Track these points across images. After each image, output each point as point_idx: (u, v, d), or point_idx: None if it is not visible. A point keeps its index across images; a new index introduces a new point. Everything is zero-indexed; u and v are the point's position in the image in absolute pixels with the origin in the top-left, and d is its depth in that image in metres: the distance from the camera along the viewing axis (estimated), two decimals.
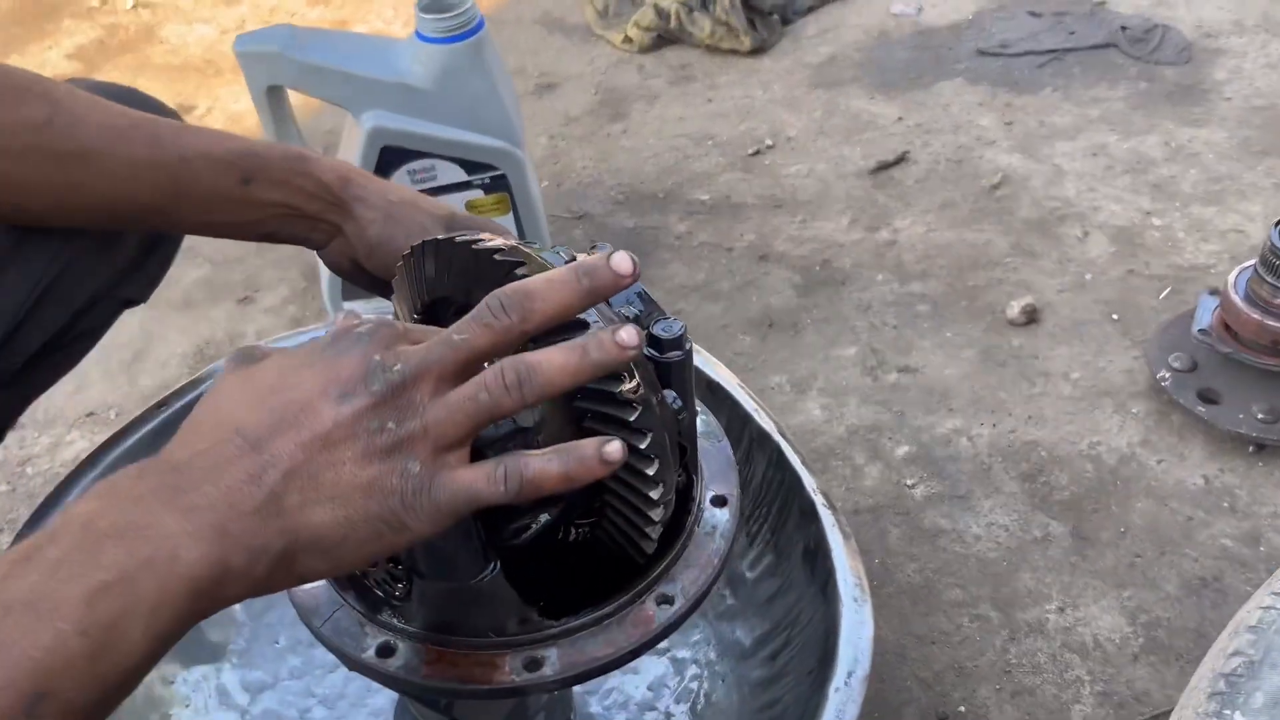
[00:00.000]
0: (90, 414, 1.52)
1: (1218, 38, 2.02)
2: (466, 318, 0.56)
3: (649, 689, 1.07)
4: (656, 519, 0.68)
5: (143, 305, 1.71)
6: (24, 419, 1.50)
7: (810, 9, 2.27)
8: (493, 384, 0.53)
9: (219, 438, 0.52)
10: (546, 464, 0.54)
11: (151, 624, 0.48)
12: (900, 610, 1.15)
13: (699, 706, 1.04)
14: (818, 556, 0.98)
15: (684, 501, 0.75)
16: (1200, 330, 1.29)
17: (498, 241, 0.66)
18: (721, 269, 1.63)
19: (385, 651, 0.71)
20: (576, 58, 2.24)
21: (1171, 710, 1.01)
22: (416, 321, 0.75)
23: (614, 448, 0.55)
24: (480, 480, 0.53)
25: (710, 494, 0.79)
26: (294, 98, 1.37)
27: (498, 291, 0.57)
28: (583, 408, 0.63)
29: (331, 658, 1.12)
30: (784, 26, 2.22)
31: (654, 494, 0.67)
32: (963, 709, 1.06)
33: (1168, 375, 1.30)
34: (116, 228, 0.91)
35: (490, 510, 0.66)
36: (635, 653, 0.71)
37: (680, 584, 0.73)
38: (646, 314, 0.74)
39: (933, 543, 1.22)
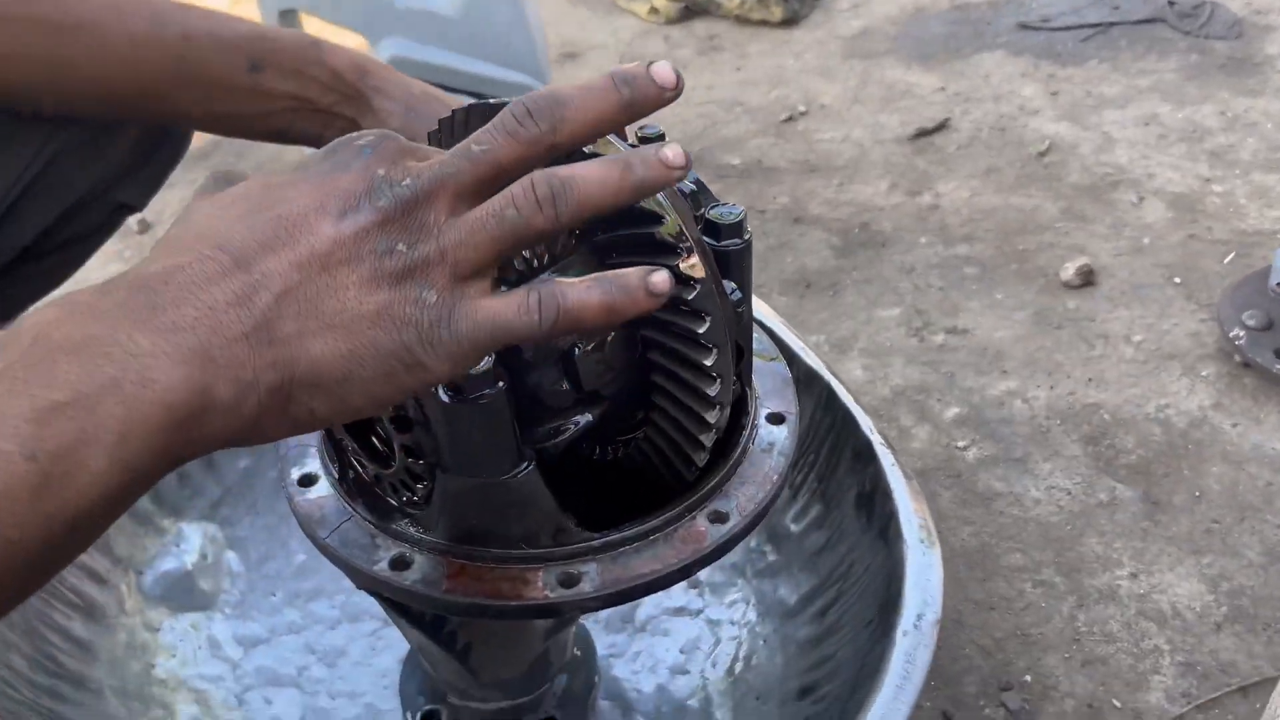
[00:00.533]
0: None
1: (1268, 14, 1.95)
2: (487, 126, 0.46)
3: (681, 652, 0.97)
4: (712, 421, 0.59)
5: (133, 251, 1.63)
6: None
7: None
8: (522, 199, 0.44)
9: (199, 253, 0.43)
10: (586, 292, 0.44)
11: (118, 454, 0.38)
12: (955, 575, 1.05)
13: (738, 669, 0.94)
14: (875, 499, 0.89)
15: (737, 415, 0.66)
16: (1277, 284, 1.20)
17: None
18: (755, 230, 1.54)
19: (400, 564, 0.62)
20: (600, 28, 2.16)
21: (1261, 680, 0.91)
22: None
23: (661, 276, 0.45)
24: (509, 309, 0.44)
25: (766, 411, 0.70)
26: (309, 25, 1.29)
27: (522, 98, 0.48)
28: None
29: (332, 613, 1.04)
30: (815, 0, 2.15)
31: (711, 391, 0.58)
32: (1028, 678, 0.96)
33: (1241, 334, 1.21)
34: (112, 114, 0.83)
35: (522, 406, 0.57)
36: (685, 571, 0.62)
37: (735, 500, 0.64)
38: (702, 197, 0.66)
39: (988, 506, 1.12)
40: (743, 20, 2.09)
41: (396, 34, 1.24)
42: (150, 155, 0.91)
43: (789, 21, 2.07)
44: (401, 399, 0.48)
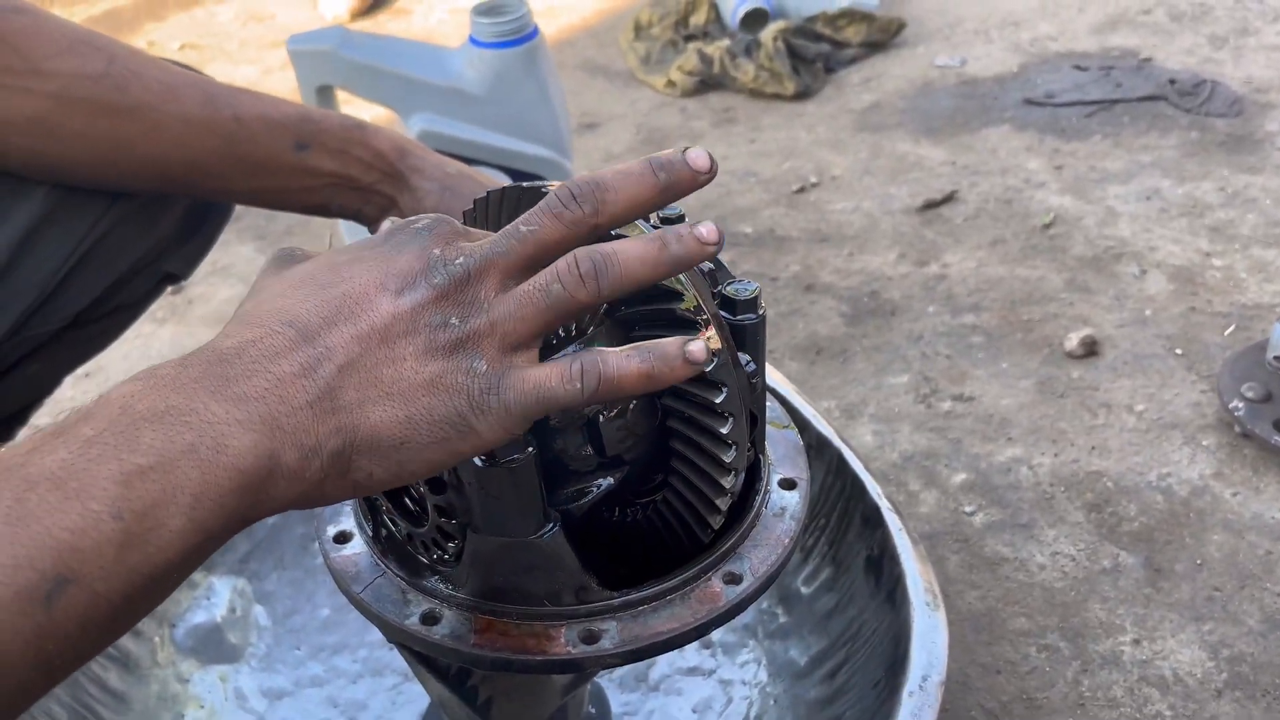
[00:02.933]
0: None
1: (1268, 93, 2.00)
2: (534, 209, 0.51)
3: (694, 711, 1.00)
4: (727, 486, 0.63)
5: (174, 320, 1.68)
6: (47, 424, 1.46)
7: (853, 60, 2.28)
8: (566, 275, 0.48)
9: (269, 328, 0.47)
10: (626, 360, 0.48)
11: (193, 515, 0.43)
12: (962, 638, 1.08)
13: None
14: (883, 563, 0.92)
15: (751, 480, 0.70)
16: (1275, 357, 1.23)
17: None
18: (767, 298, 1.59)
19: (430, 619, 0.65)
20: (618, 100, 2.24)
21: None
22: None
23: (698, 346, 0.49)
24: (554, 378, 0.48)
25: (778, 476, 0.74)
26: (342, 100, 1.35)
27: (567, 182, 0.52)
28: None
29: (355, 667, 1.07)
30: (827, 75, 2.22)
31: (727, 457, 0.62)
32: None
33: (1240, 405, 1.24)
34: (166, 190, 0.88)
35: (548, 470, 0.61)
36: (701, 630, 0.65)
37: (749, 562, 0.68)
38: (718, 275, 0.71)
39: (994, 571, 1.15)
40: (757, 93, 2.16)
41: (427, 110, 1.31)
42: (197, 227, 0.95)
43: (801, 95, 2.14)
44: (454, 463, 0.51)
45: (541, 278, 0.49)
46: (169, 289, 1.70)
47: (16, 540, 0.39)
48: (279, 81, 2.44)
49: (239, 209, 1.91)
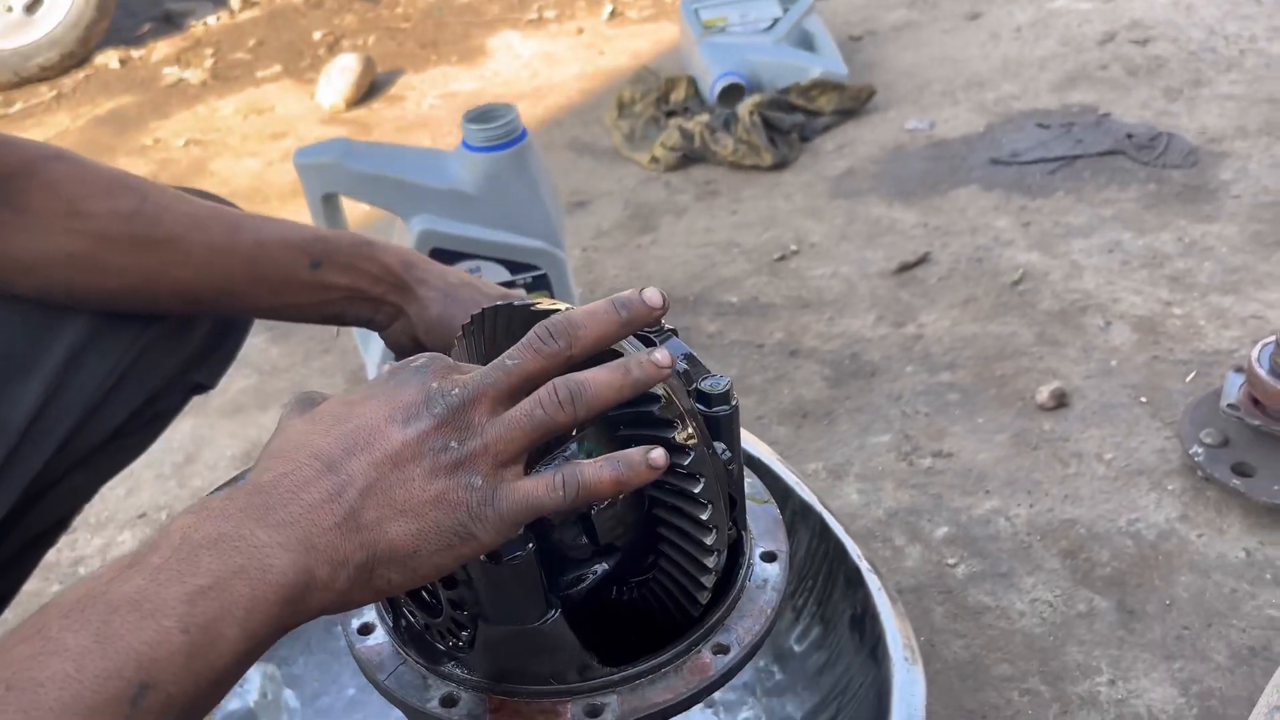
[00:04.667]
0: (142, 515, 1.55)
1: (1221, 142, 2.11)
2: (516, 345, 0.61)
3: None
4: (711, 566, 0.70)
5: (192, 413, 1.76)
6: (76, 521, 1.54)
7: (827, 127, 2.39)
8: (547, 401, 0.58)
9: (298, 462, 0.56)
10: (600, 470, 0.58)
11: (246, 625, 0.51)
12: (949, 686, 1.14)
13: None
14: (865, 621, 0.99)
15: (735, 556, 0.77)
16: (1229, 405, 1.31)
17: (557, 304, 0.71)
18: (753, 364, 1.68)
19: (449, 702, 0.72)
20: (605, 177, 2.34)
21: None
22: None
23: (658, 454, 0.59)
24: (540, 489, 0.57)
25: (760, 550, 0.81)
26: (346, 205, 1.45)
27: (544, 322, 0.62)
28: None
29: None
30: (803, 143, 2.33)
31: (708, 540, 0.69)
32: None
33: (1200, 451, 1.32)
34: (194, 311, 0.96)
35: (549, 560, 0.69)
36: (694, 698, 0.72)
37: (735, 633, 0.75)
38: (694, 371, 0.78)
39: (977, 620, 1.22)
40: (736, 165, 2.27)
41: (427, 211, 1.40)
42: (222, 340, 1.04)
43: (779, 165, 2.24)
44: (457, 566, 0.60)
45: (526, 404, 0.58)
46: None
47: (106, 655, 0.47)
48: (280, 173, 2.55)
49: None
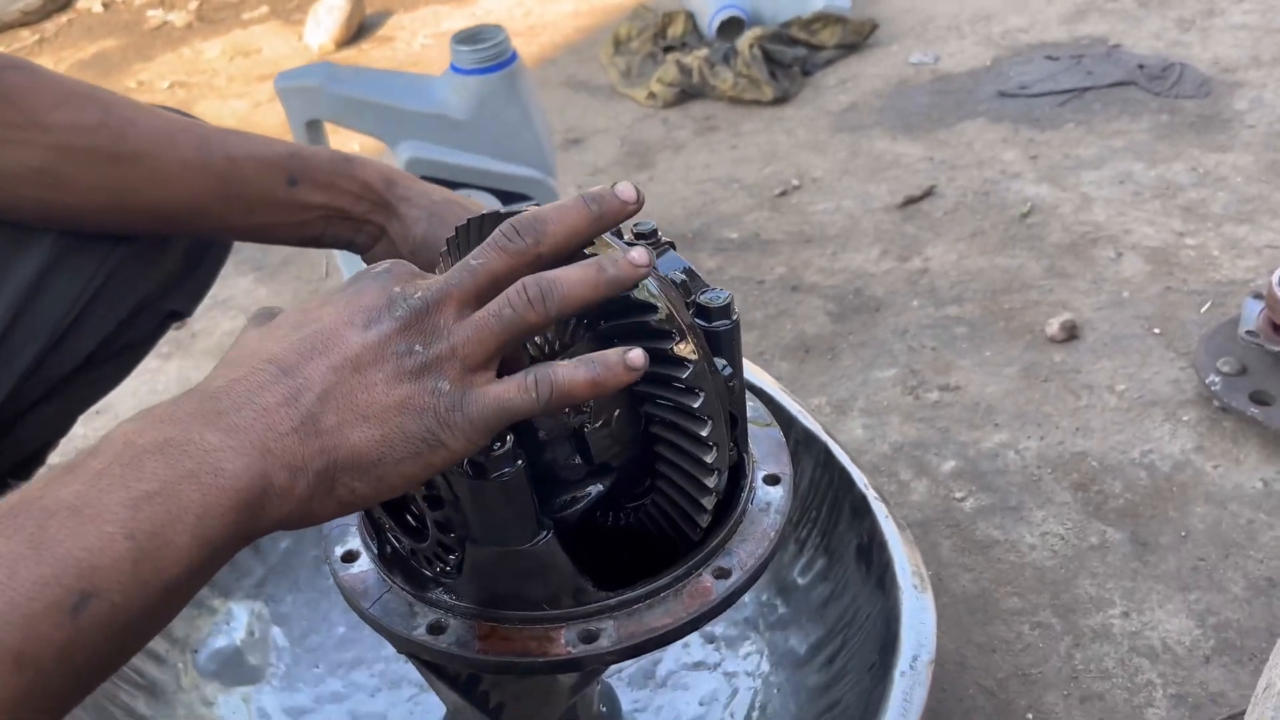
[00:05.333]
0: None
1: (1235, 72, 2.04)
2: (481, 245, 0.56)
3: (700, 704, 1.03)
4: (711, 486, 0.67)
5: (179, 355, 1.72)
6: (60, 462, 1.50)
7: (829, 62, 2.32)
8: (516, 299, 0.54)
9: (252, 367, 0.53)
10: (574, 370, 0.54)
11: (198, 532, 0.47)
12: (958, 620, 1.11)
13: (754, 717, 1.00)
14: (873, 549, 0.96)
15: (736, 478, 0.73)
16: (1247, 332, 1.27)
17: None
18: (754, 300, 1.63)
19: (436, 629, 0.69)
20: (601, 114, 2.28)
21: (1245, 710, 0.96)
22: None
23: (636, 354, 0.55)
24: (511, 390, 0.53)
25: (762, 473, 0.77)
26: (331, 133, 1.39)
27: (511, 219, 0.57)
28: None
29: (372, 681, 1.11)
30: (804, 78, 2.27)
31: (708, 458, 0.65)
32: (1030, 716, 1.01)
33: (1217, 380, 1.28)
34: (167, 231, 0.92)
35: (541, 481, 0.65)
36: (694, 624, 0.68)
37: (737, 557, 0.71)
38: (693, 285, 0.74)
39: (986, 553, 1.19)
40: (736, 100, 2.20)
41: (414, 137, 1.35)
42: (196, 265, 0.99)
43: (780, 100, 2.18)
44: (429, 476, 0.56)
45: (494, 304, 0.54)
46: (174, 326, 1.75)
47: (42, 561, 0.43)
48: (268, 114, 2.49)
49: (237, 245, 1.95)
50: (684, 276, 0.74)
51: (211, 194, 0.86)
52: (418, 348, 0.53)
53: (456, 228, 0.71)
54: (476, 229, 0.69)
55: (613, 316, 0.64)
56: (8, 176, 0.82)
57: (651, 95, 2.26)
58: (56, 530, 0.44)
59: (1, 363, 0.84)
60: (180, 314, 1.01)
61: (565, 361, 0.55)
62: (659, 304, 0.64)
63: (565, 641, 0.67)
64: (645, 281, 0.63)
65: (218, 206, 0.87)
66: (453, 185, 1.39)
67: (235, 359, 0.54)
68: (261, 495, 0.49)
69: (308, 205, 0.87)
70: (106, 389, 1.00)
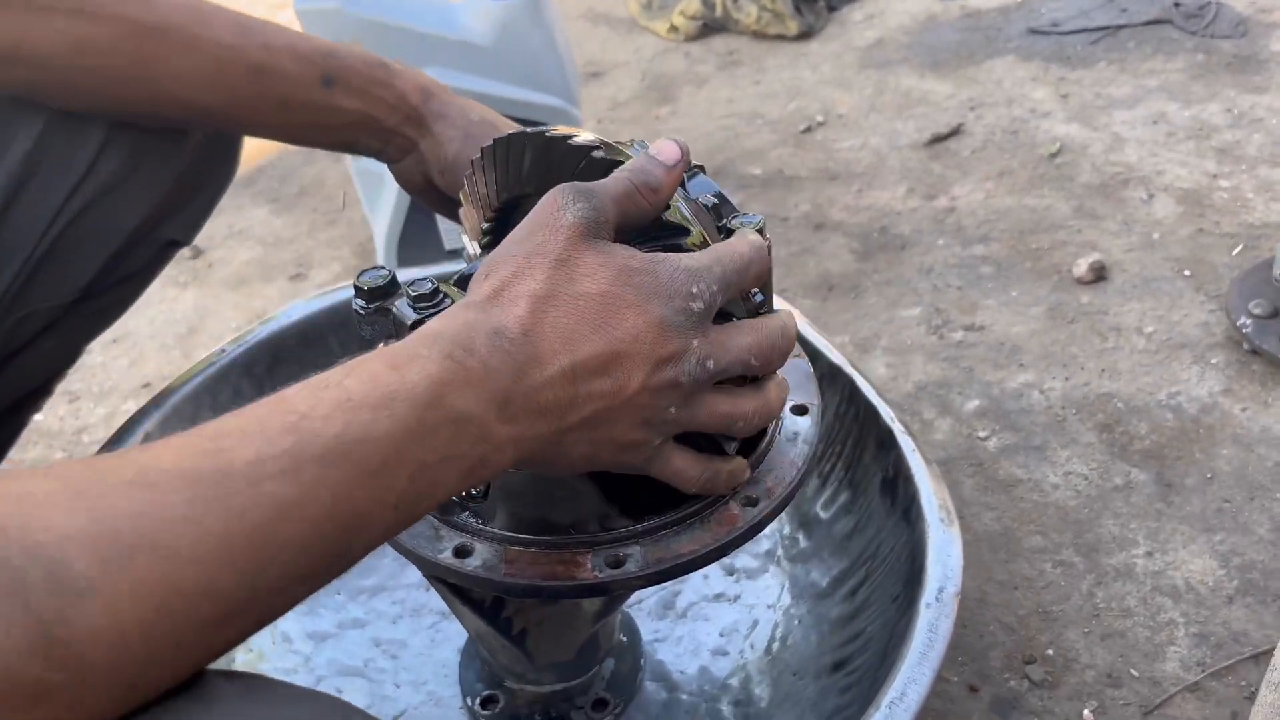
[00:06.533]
0: (146, 385, 1.51)
1: (1272, 12, 1.99)
2: (708, 291, 0.56)
3: (721, 635, 1.03)
4: None
5: (196, 284, 1.71)
6: (79, 390, 1.50)
7: None
8: (753, 422, 0.62)
9: (554, 350, 0.52)
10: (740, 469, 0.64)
11: (429, 508, 0.49)
12: (980, 558, 1.11)
13: (775, 649, 1.00)
14: (898, 483, 0.95)
15: None
16: None
17: (593, 138, 0.65)
18: (778, 237, 1.61)
19: (462, 552, 0.68)
20: (622, 47, 2.24)
21: (1274, 649, 0.96)
22: (489, 221, 0.73)
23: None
24: (687, 469, 0.61)
25: (790, 403, 0.76)
26: None
27: (762, 333, 0.60)
28: None
29: (394, 609, 1.11)
30: (830, 13, 2.22)
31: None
32: (1050, 652, 1.01)
33: (1248, 322, 1.26)
34: (189, 119, 0.86)
35: None
36: (721, 550, 0.68)
37: (764, 485, 0.70)
38: (724, 209, 0.73)
39: (1009, 492, 1.18)
40: (760, 35, 2.16)
41: (435, 63, 1.32)
42: (195, 192, 0.94)
43: (805, 35, 2.14)
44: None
45: (734, 408, 0.59)
46: (186, 250, 1.73)
47: (338, 522, 0.44)
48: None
49: (253, 175, 1.93)
50: (715, 200, 0.72)
51: (243, 83, 0.80)
52: (672, 409, 0.56)
53: (482, 149, 0.69)
54: (504, 153, 0.68)
55: (644, 238, 0.62)
56: (30, 47, 0.76)
57: (673, 28, 2.21)
58: (360, 489, 0.44)
59: None
60: (179, 243, 0.97)
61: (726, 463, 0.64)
62: (691, 226, 0.62)
63: (592, 566, 0.66)
64: (677, 203, 0.62)
65: (249, 98, 0.81)
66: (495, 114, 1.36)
67: (549, 325, 0.52)
68: (484, 478, 0.51)
69: (341, 110, 0.83)
70: (109, 320, 0.97)
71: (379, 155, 0.87)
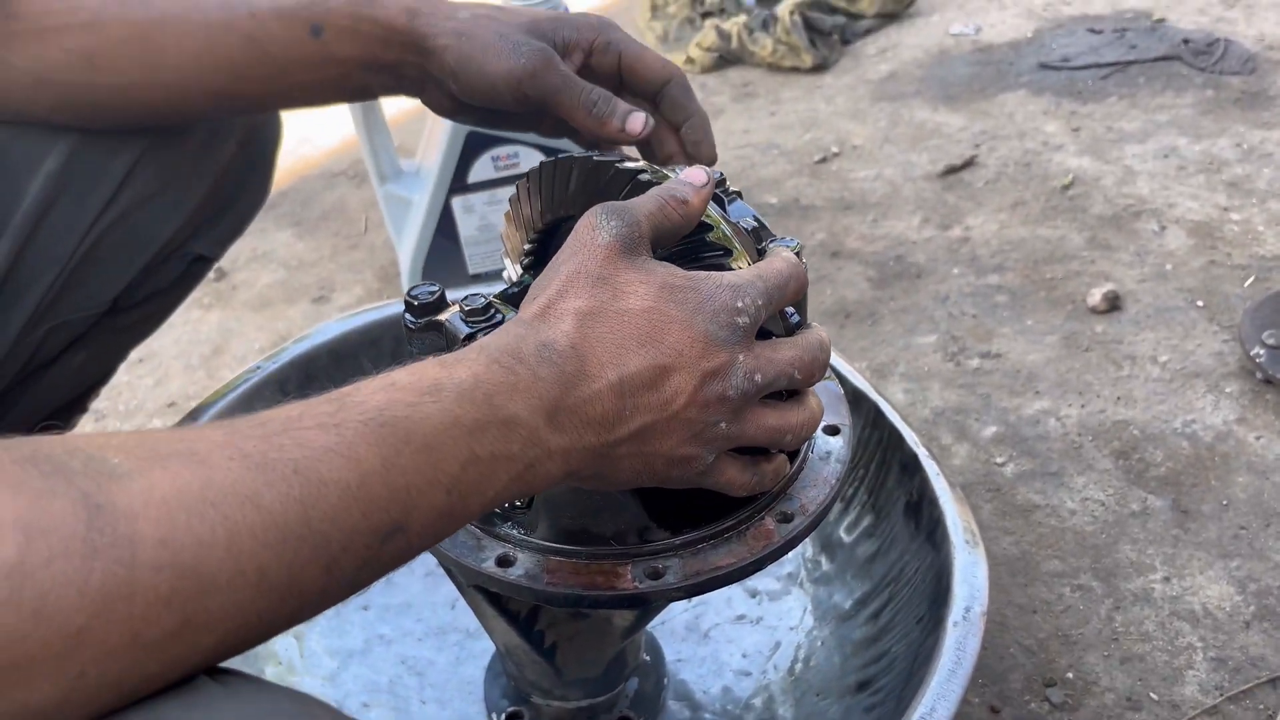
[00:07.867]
0: (171, 404, 1.53)
1: None
2: (750, 303, 0.58)
3: (743, 656, 1.05)
4: None
5: (220, 306, 1.73)
6: (105, 409, 1.52)
7: (869, 31, 2.31)
8: (806, 429, 0.63)
9: (606, 380, 0.54)
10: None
11: (485, 506, 0.50)
12: (999, 581, 1.12)
13: (798, 669, 1.02)
14: (923, 506, 0.96)
15: None
16: None
17: (641, 163, 0.67)
18: None
19: (505, 562, 0.70)
20: None
21: None
22: (531, 243, 0.75)
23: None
24: (736, 479, 0.62)
25: (822, 424, 0.78)
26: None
27: (803, 347, 0.62)
28: None
29: (420, 626, 1.12)
30: (844, 46, 2.25)
31: None
32: (1070, 675, 1.03)
33: (1262, 352, 1.28)
34: (196, 108, 0.85)
35: None
36: (758, 564, 0.70)
37: (799, 502, 0.72)
38: (762, 232, 0.75)
39: (1026, 517, 1.19)
40: (775, 67, 2.19)
41: None
42: (226, 208, 0.95)
43: (819, 68, 2.17)
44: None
45: (782, 422, 0.61)
46: (213, 276, 1.76)
47: (388, 485, 0.45)
48: None
49: (274, 196, 1.95)
50: (755, 224, 0.74)
51: (239, 56, 0.80)
52: (722, 425, 0.57)
53: (528, 171, 0.71)
54: (549, 176, 0.70)
55: (690, 255, 0.65)
56: (50, 67, 0.78)
57: (690, 60, 2.25)
58: (408, 461, 0.46)
59: (25, 281, 0.82)
60: (208, 258, 0.97)
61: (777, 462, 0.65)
62: (733, 246, 0.65)
63: (632, 577, 0.68)
64: (720, 225, 0.65)
65: (246, 70, 0.80)
66: (502, 142, 1.38)
67: (597, 342, 0.54)
68: (534, 483, 0.53)
69: (338, 58, 0.80)
70: (139, 337, 0.98)
71: (399, 92, 0.84)
